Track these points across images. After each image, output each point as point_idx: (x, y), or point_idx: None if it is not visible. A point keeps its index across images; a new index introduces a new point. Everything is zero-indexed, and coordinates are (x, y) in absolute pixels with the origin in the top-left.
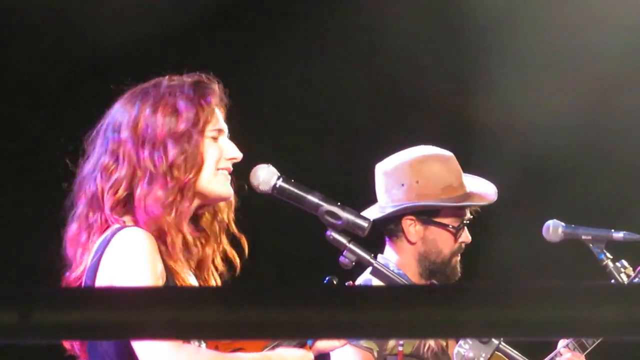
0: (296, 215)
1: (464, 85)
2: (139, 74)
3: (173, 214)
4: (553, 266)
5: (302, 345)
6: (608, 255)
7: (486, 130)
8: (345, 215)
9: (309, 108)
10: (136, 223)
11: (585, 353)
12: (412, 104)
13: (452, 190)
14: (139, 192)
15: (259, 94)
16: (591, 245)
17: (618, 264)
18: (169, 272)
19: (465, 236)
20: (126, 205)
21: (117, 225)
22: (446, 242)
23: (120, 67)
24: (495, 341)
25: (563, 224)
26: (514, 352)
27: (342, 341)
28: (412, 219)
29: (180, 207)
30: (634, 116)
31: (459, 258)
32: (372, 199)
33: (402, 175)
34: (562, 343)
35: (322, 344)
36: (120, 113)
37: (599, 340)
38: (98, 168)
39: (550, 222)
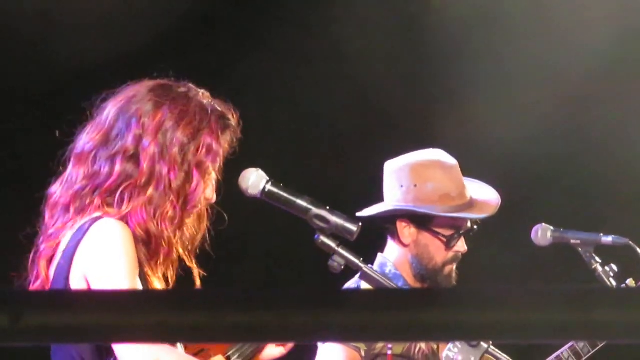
0: (285, 219)
1: (447, 91)
2: (124, 79)
3: (174, 232)
4: (541, 271)
5: (255, 354)
6: (597, 259)
7: (468, 137)
8: (334, 219)
9: (293, 112)
10: (128, 218)
11: None
12: (399, 110)
13: (449, 200)
14: (147, 198)
15: (244, 99)
16: (580, 249)
17: (607, 268)
18: (140, 274)
19: (461, 246)
20: (119, 196)
21: (97, 214)
22: (438, 249)
23: (105, 73)
24: (484, 345)
25: (552, 227)
26: (503, 356)
27: (282, 351)
28: (406, 222)
29: (178, 232)
30: (615, 122)
31: (454, 267)
32: (359, 203)
33: (402, 176)
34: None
35: (267, 356)
36: (144, 103)
37: (594, 350)
38: (116, 150)
39: (539, 226)
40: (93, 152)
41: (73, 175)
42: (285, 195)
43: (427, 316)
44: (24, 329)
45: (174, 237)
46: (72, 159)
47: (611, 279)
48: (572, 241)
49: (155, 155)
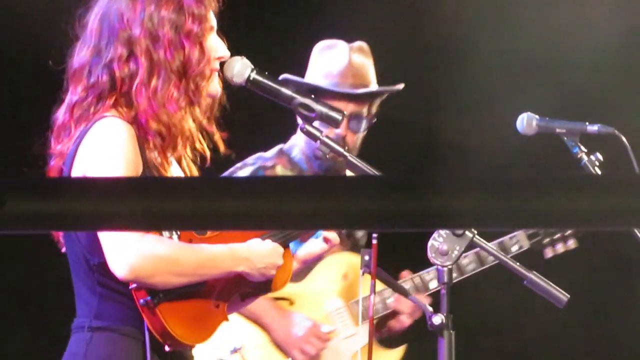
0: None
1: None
2: None
3: (184, 114)
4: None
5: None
6: (582, 148)
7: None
8: (319, 107)
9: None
10: (139, 116)
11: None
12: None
13: (318, 80)
14: (152, 90)
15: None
16: (565, 138)
17: (592, 157)
18: (151, 166)
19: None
20: (127, 98)
21: (103, 114)
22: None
23: None
24: (469, 234)
25: (537, 116)
26: (488, 245)
27: (324, 247)
28: None
29: (190, 109)
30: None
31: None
32: None
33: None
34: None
35: (303, 252)
36: (120, 1)
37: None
38: (110, 57)
39: (524, 115)
40: (87, 67)
41: (72, 94)
42: (270, 83)
43: (407, 203)
44: (7, 215)
45: (185, 114)
46: (68, 81)
47: (596, 168)
48: (558, 130)
49: (148, 45)
